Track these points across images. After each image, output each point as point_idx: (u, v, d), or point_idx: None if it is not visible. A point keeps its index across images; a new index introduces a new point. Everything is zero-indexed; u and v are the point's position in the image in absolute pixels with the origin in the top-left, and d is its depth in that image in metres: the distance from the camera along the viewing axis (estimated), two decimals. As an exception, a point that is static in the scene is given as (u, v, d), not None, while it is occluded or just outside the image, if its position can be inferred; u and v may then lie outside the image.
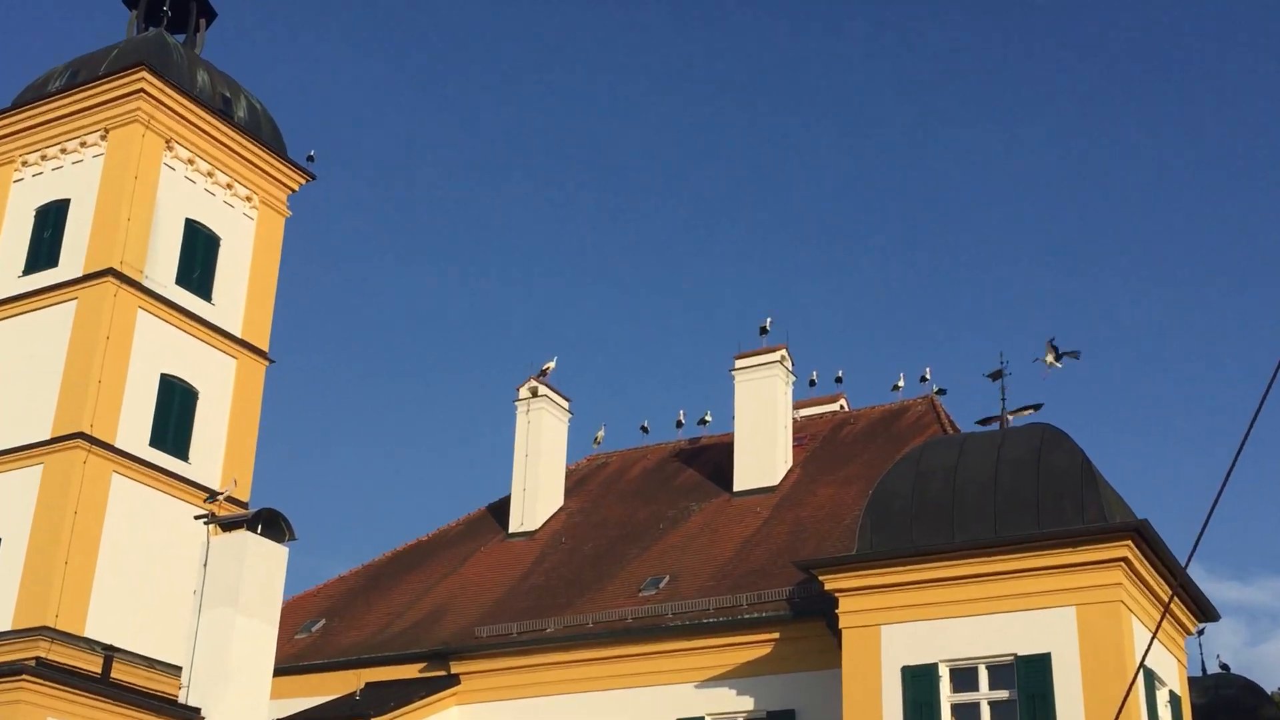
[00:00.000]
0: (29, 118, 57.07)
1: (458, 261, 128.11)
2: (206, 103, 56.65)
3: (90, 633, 48.61)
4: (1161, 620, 26.91)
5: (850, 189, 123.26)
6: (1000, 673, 32.12)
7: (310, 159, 58.05)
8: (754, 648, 37.76)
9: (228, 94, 58.32)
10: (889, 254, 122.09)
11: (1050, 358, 35.30)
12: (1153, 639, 22.07)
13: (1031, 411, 35.43)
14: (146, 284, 53.68)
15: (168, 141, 55.27)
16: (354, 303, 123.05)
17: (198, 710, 36.54)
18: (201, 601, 37.30)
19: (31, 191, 56.28)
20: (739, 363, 48.09)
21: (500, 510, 52.37)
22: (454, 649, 42.55)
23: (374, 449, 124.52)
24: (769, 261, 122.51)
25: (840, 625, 33.91)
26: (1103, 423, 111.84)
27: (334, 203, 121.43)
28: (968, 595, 32.71)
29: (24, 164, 56.86)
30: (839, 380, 53.39)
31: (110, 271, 52.78)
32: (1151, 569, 32.91)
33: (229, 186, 57.27)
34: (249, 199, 58.02)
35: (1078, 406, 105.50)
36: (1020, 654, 31.77)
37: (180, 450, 53.59)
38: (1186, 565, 19.78)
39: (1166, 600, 32.99)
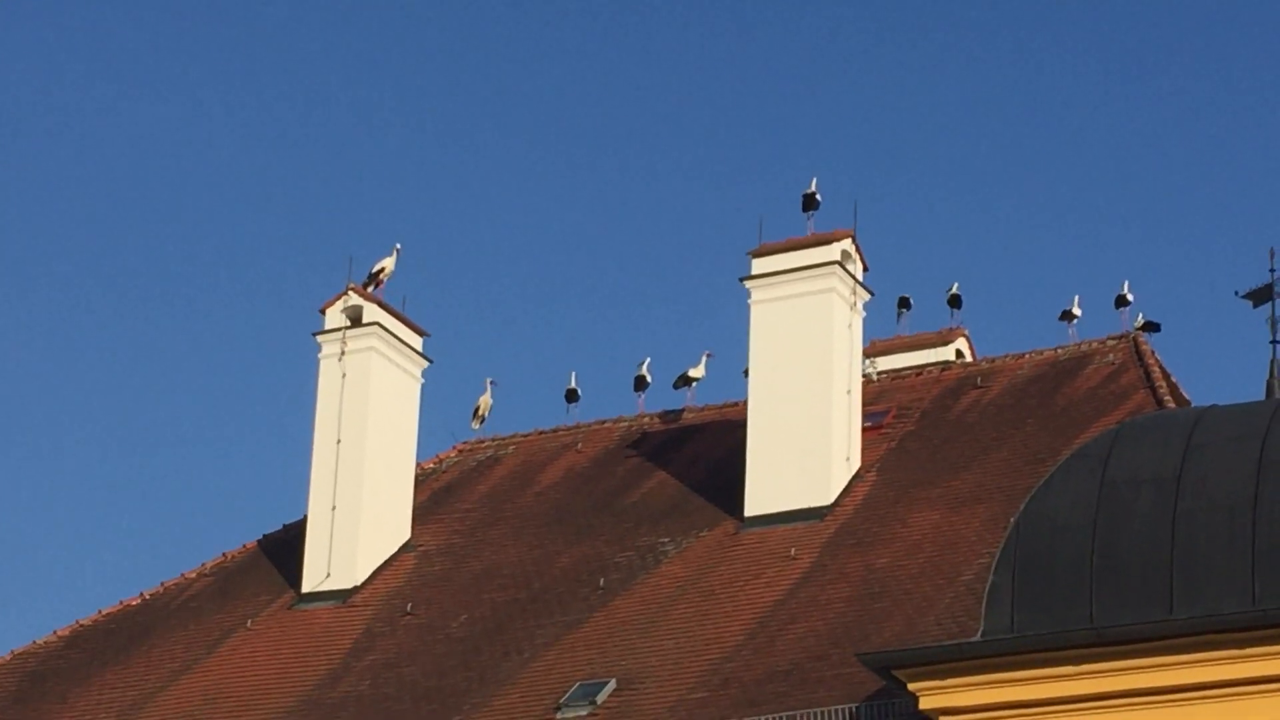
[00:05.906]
0: None
1: (193, 66, 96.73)
2: None
3: None
4: None
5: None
6: None
7: None
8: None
9: None
10: (1035, 66, 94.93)
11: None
12: None
13: None
14: None
15: None
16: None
17: None
18: None
19: None
20: (758, 264, 39.88)
21: (284, 549, 42.60)
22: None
23: (31, 427, 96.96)
24: (818, 72, 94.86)
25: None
26: None
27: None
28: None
29: None
30: (954, 303, 44.05)
31: None
32: None
33: None
34: None
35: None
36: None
37: None
38: None
39: None
